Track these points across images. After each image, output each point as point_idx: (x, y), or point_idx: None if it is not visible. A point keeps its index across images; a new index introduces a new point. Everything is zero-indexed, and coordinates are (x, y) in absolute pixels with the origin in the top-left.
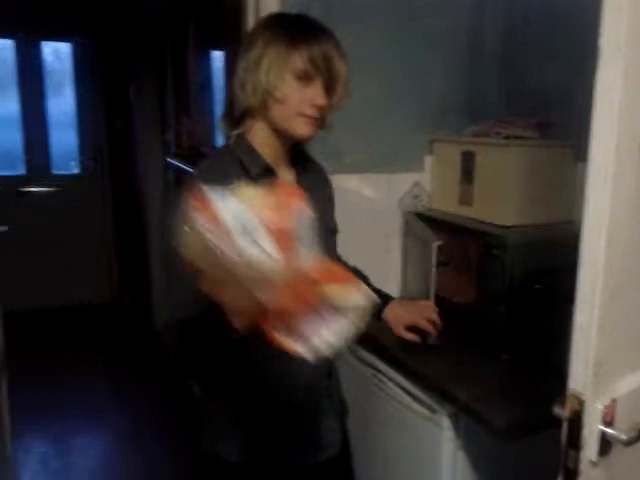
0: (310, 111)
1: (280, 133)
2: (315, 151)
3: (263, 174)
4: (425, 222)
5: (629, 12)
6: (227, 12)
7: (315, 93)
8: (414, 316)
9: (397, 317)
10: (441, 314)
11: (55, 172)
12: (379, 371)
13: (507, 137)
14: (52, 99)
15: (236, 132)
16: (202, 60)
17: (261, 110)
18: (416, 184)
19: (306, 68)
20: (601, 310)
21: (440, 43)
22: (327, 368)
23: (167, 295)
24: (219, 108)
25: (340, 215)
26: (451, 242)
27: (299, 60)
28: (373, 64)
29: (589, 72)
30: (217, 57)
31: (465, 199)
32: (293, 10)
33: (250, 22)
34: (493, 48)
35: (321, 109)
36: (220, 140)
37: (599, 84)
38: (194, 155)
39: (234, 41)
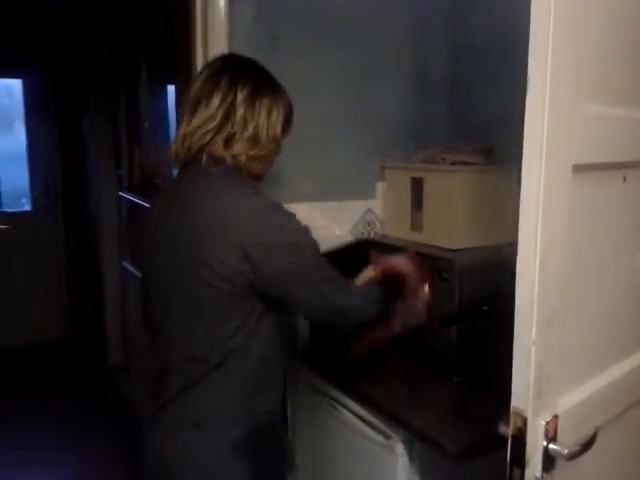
0: None
1: (247, 169)
2: (267, 180)
3: None
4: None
5: (554, 40)
6: (177, 46)
7: None
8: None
9: None
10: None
11: (5, 209)
12: (333, 398)
13: (454, 163)
14: (1, 135)
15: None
16: (156, 93)
17: (269, 150)
18: (368, 211)
19: (291, 122)
20: (539, 329)
21: (388, 72)
22: None
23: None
24: None
25: None
26: None
27: (290, 114)
28: (322, 93)
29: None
30: (172, 91)
31: (416, 224)
32: (243, 43)
33: (199, 58)
34: (440, 76)
35: None
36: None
37: (528, 108)
38: (147, 188)
39: (184, 76)
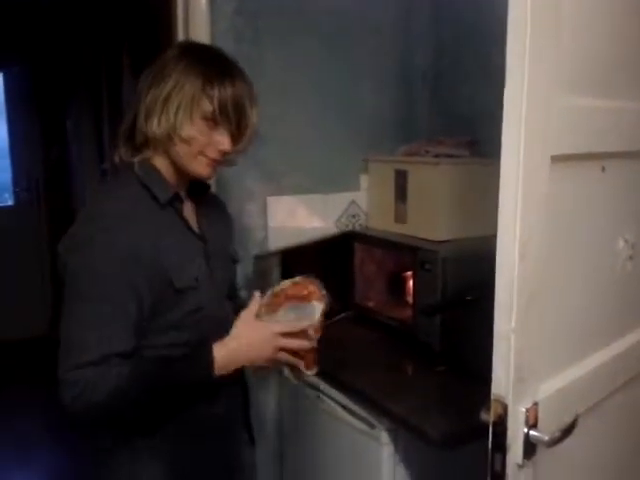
0: (213, 154)
1: (180, 168)
2: (251, 175)
3: (170, 201)
4: (363, 241)
5: (532, 33)
6: (160, 41)
7: (221, 138)
8: None
9: None
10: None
11: None
12: (317, 389)
13: (437, 155)
14: None
15: (139, 158)
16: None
17: (164, 143)
18: (352, 203)
19: (216, 113)
20: (519, 317)
21: (372, 65)
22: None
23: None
24: None
25: (278, 236)
26: (388, 259)
27: (210, 104)
28: (306, 86)
29: None
30: None
31: (400, 216)
32: (225, 37)
33: None
34: (424, 69)
35: (225, 154)
36: None
37: (506, 101)
38: None
39: None
